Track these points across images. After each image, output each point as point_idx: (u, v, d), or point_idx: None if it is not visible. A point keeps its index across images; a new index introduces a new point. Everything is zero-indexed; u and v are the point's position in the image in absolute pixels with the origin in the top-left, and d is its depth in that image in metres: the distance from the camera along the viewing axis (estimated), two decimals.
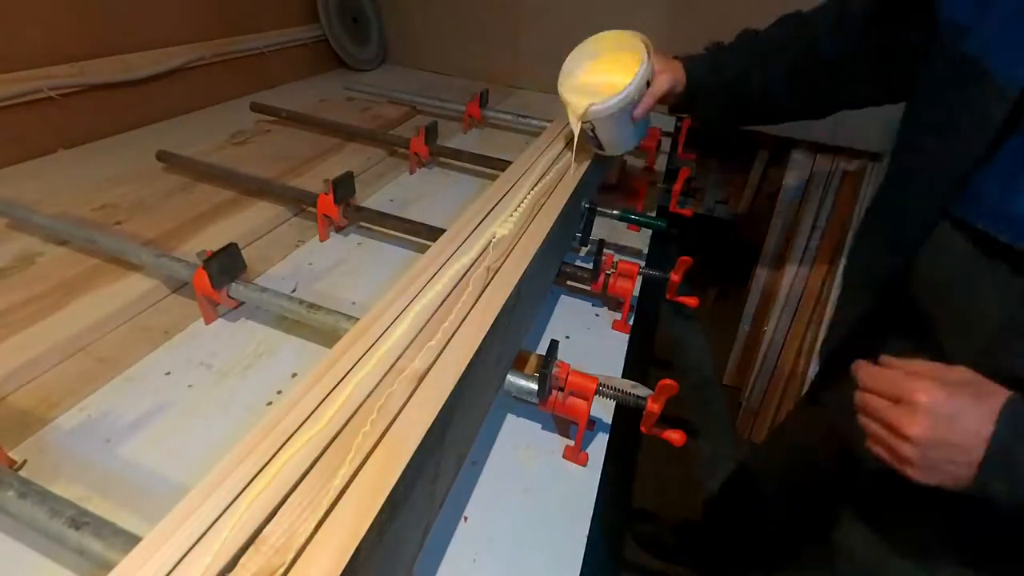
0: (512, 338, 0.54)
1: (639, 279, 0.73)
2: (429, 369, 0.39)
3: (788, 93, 0.71)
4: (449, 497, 0.45)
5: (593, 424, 0.56)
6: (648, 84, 0.67)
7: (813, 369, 1.46)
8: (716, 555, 1.19)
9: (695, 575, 1.26)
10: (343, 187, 0.79)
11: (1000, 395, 0.37)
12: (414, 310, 0.44)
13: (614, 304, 0.75)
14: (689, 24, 1.33)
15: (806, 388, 0.95)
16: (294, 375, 0.60)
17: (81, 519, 0.36)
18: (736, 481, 1.10)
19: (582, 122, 0.67)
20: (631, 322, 0.72)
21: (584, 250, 0.84)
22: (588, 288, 0.72)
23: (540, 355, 0.54)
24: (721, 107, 0.74)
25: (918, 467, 0.39)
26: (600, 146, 0.72)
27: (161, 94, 1.19)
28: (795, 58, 0.68)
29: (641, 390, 0.51)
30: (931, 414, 0.38)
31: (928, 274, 0.51)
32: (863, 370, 0.45)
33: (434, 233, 0.71)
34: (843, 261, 1.47)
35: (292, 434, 0.33)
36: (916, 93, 0.53)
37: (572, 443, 0.54)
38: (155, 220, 0.81)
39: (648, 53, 0.66)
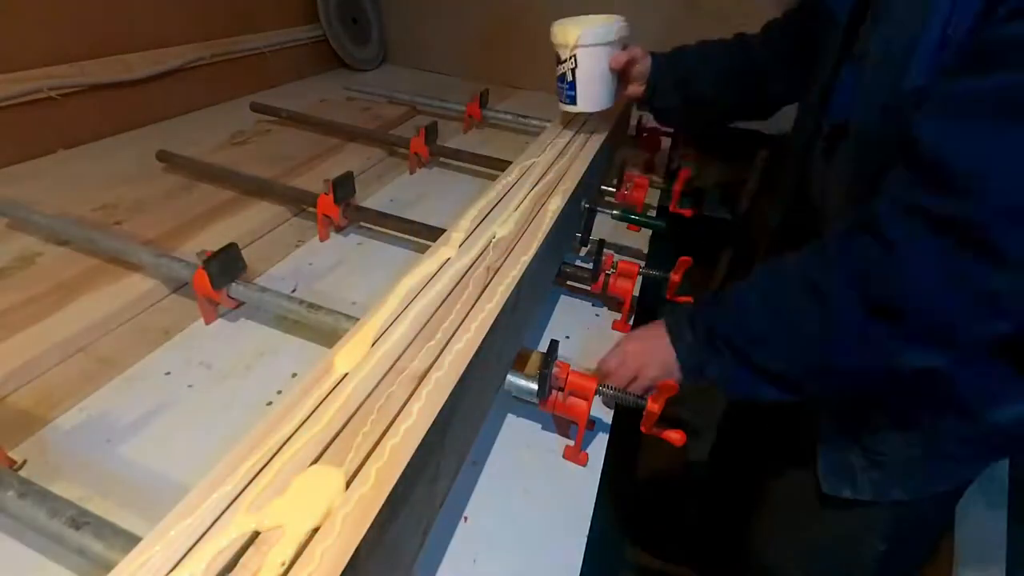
0: (512, 338, 0.54)
1: (639, 279, 0.73)
2: (429, 369, 0.39)
3: (729, 94, 0.80)
4: (449, 497, 0.45)
5: (593, 424, 0.56)
6: (624, 46, 0.75)
7: None
8: (715, 554, 1.19)
9: (695, 575, 1.26)
10: (343, 187, 0.79)
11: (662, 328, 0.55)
12: (414, 310, 0.44)
13: (614, 304, 0.75)
14: (691, 30, 1.33)
15: None
16: (294, 375, 0.60)
17: (81, 519, 0.36)
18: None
19: (566, 59, 0.74)
20: (631, 322, 0.72)
21: (584, 250, 0.84)
22: (588, 288, 0.72)
23: (541, 353, 0.54)
24: (674, 101, 0.80)
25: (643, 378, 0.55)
26: (574, 98, 0.76)
27: (161, 94, 1.19)
28: (733, 64, 0.78)
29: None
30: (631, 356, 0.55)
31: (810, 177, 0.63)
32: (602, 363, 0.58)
33: (434, 233, 0.71)
34: None
35: (292, 434, 0.33)
36: None
37: (572, 443, 0.54)
38: (155, 220, 0.81)
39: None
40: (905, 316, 0.39)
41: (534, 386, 0.51)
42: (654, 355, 0.55)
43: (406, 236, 0.81)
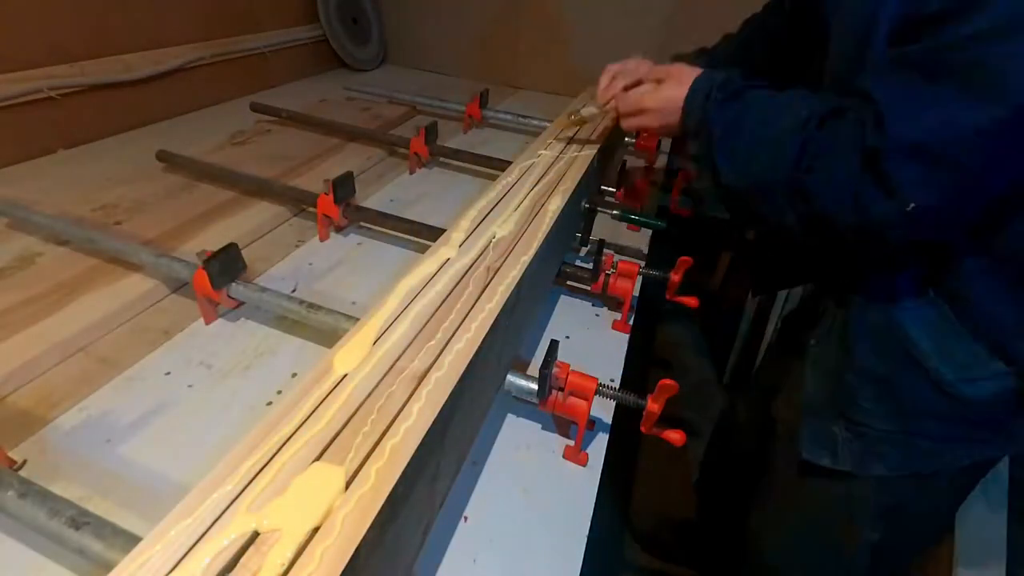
0: (512, 338, 0.54)
1: (639, 279, 0.73)
2: (429, 369, 0.39)
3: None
4: (449, 497, 0.45)
5: (593, 424, 0.56)
6: None
7: None
8: (715, 554, 1.19)
9: (695, 575, 1.26)
10: (343, 187, 0.79)
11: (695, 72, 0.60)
12: (414, 310, 0.44)
13: (614, 304, 0.75)
14: (688, 26, 1.33)
15: None
16: (294, 375, 0.60)
17: (81, 519, 0.36)
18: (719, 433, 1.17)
19: None
20: (631, 322, 0.72)
21: (584, 250, 0.84)
22: (588, 288, 0.72)
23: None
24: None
25: (653, 115, 0.64)
26: None
27: (161, 94, 1.19)
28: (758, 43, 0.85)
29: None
30: (655, 95, 0.63)
31: None
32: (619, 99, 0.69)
33: (434, 233, 0.71)
34: None
35: (292, 434, 0.33)
36: None
37: (572, 443, 0.54)
38: (155, 220, 0.81)
39: None
40: (815, 198, 0.46)
41: (534, 386, 0.51)
42: (667, 108, 0.62)
43: (406, 236, 0.81)
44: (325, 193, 0.78)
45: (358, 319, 0.44)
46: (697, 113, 0.57)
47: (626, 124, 0.68)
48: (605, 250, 0.71)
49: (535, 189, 0.66)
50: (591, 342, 0.69)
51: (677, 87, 0.60)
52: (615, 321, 0.73)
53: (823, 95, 0.50)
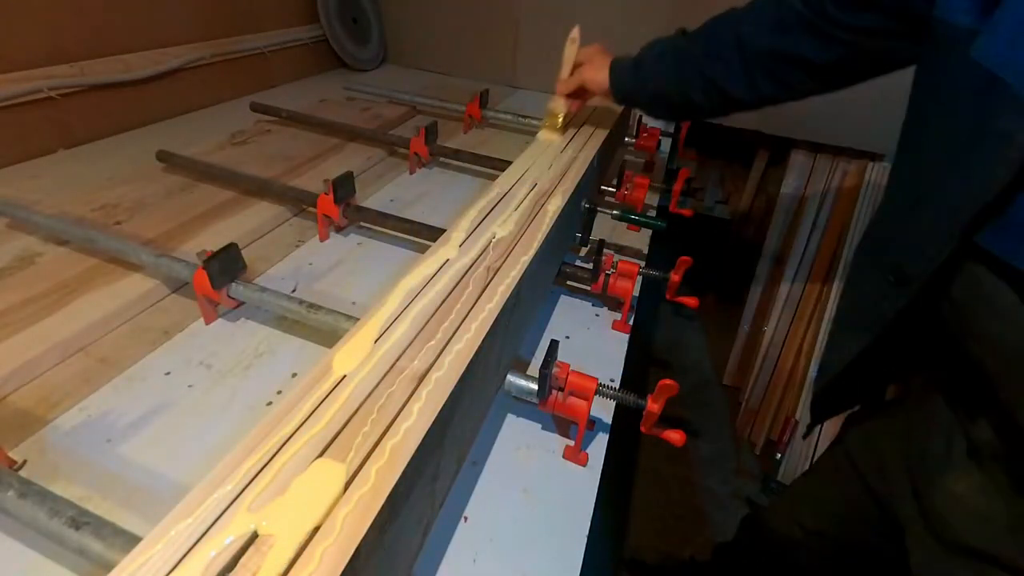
0: (512, 338, 0.54)
1: (639, 279, 0.73)
2: (429, 369, 0.39)
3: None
4: (449, 497, 0.45)
5: (593, 424, 0.56)
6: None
7: (813, 369, 1.46)
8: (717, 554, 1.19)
9: (695, 574, 1.26)
10: (343, 187, 0.79)
11: None
12: (414, 310, 0.44)
13: (614, 304, 0.75)
14: (691, 27, 1.33)
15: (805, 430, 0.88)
16: (294, 375, 0.60)
17: (81, 519, 0.36)
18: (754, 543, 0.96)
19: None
20: (631, 322, 0.72)
21: (584, 250, 0.84)
22: (588, 288, 0.72)
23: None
24: (647, 107, 0.76)
25: None
26: None
27: (161, 94, 1.19)
28: (693, 98, 0.67)
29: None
30: None
31: (945, 312, 0.45)
32: None
33: (434, 233, 0.71)
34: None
35: (292, 434, 0.33)
36: (917, 105, 0.46)
37: (572, 443, 0.54)
38: (155, 220, 0.81)
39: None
40: None
41: (534, 386, 0.51)
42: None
43: (406, 236, 0.81)
44: (325, 193, 0.78)
45: (358, 319, 0.44)
46: None
47: None
48: (605, 250, 0.71)
49: (535, 189, 0.66)
50: (591, 342, 0.69)
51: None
52: (615, 321, 0.73)
53: None
